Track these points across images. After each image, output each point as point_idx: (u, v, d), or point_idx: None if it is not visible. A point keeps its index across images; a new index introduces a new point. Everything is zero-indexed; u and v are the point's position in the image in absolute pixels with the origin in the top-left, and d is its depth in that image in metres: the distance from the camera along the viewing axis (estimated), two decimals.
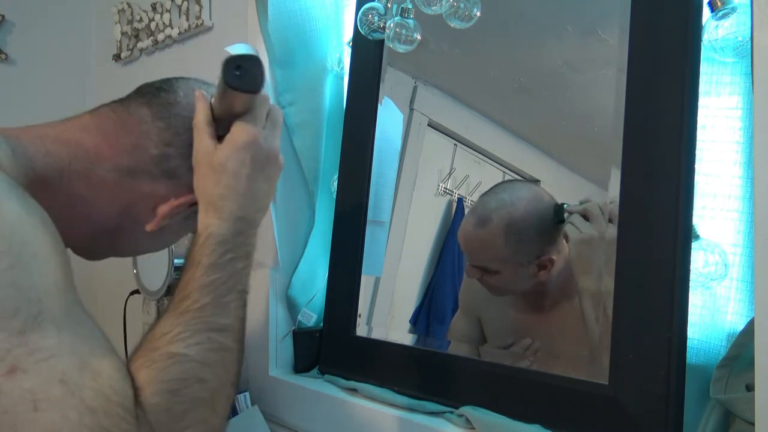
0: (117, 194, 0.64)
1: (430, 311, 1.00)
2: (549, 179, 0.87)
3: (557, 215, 0.82)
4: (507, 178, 0.93)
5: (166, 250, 1.14)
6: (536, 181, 0.89)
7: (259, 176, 0.61)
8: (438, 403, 0.87)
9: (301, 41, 1.08)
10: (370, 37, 0.99)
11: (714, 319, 0.72)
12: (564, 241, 0.83)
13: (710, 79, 0.72)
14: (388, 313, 1.05)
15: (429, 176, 1.02)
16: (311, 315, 1.11)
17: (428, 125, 1.03)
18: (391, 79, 1.05)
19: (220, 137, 0.62)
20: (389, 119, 1.05)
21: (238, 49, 1.08)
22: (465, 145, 0.97)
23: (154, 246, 0.75)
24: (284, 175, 1.10)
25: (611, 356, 0.72)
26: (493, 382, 0.83)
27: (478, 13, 0.89)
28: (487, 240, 0.88)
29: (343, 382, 1.00)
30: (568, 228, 0.81)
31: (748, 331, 0.64)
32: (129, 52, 1.55)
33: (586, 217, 0.79)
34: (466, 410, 0.81)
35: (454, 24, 0.89)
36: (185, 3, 1.36)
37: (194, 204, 0.66)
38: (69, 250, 0.60)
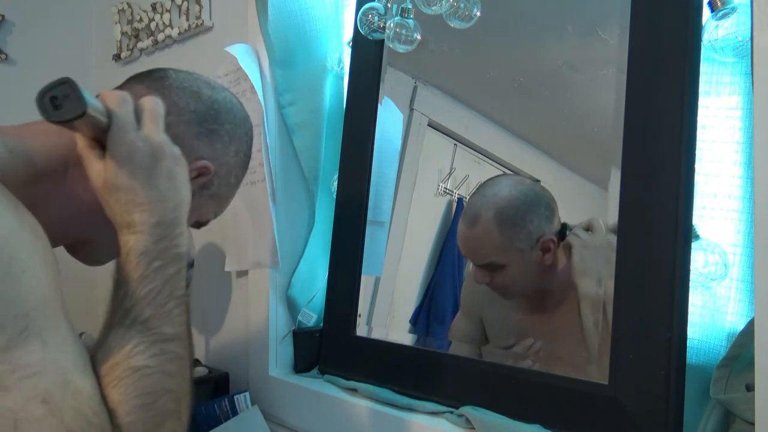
0: None
1: (430, 311, 1.00)
2: (549, 179, 0.87)
3: (561, 233, 0.84)
4: None
5: None
6: (536, 181, 0.89)
7: (155, 178, 0.58)
8: (438, 403, 0.87)
9: (301, 41, 1.08)
10: (370, 37, 0.99)
11: (714, 319, 0.72)
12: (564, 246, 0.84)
13: (710, 79, 0.72)
14: (388, 313, 1.05)
15: (429, 176, 1.02)
16: (311, 315, 1.11)
17: (428, 125, 1.03)
18: (391, 79, 1.05)
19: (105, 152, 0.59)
20: (389, 119, 1.05)
21: (238, 49, 1.09)
22: (465, 145, 0.97)
23: None
24: (284, 175, 1.11)
25: (611, 356, 0.72)
26: (492, 382, 0.83)
27: (478, 13, 0.89)
28: (483, 236, 0.89)
29: (343, 382, 1.00)
30: (570, 236, 0.82)
31: (748, 331, 0.64)
32: (129, 52, 1.55)
33: (588, 229, 0.81)
34: (466, 410, 0.81)
35: (454, 24, 0.89)
36: (185, 3, 1.36)
37: (201, 175, 0.67)
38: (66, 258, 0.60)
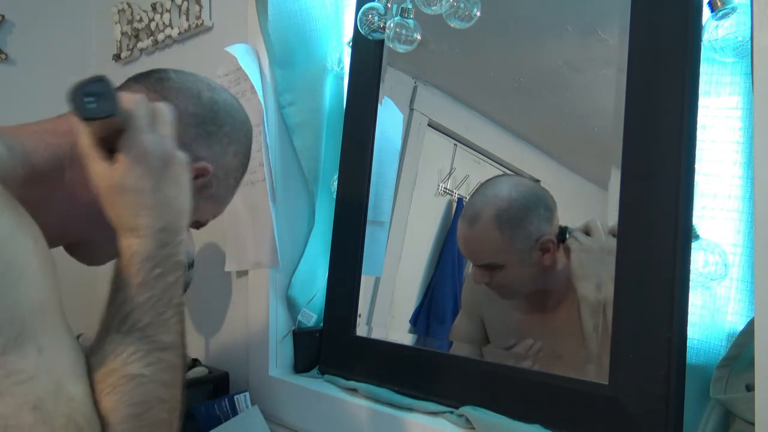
0: None
1: (430, 311, 1.00)
2: (549, 179, 0.87)
3: (561, 237, 0.84)
4: None
5: None
6: (536, 181, 0.89)
7: (163, 183, 0.58)
8: (438, 403, 0.87)
9: (301, 41, 1.08)
10: (370, 37, 0.99)
11: (714, 319, 0.72)
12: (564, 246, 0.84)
13: (710, 79, 0.72)
14: (388, 313, 1.05)
15: (429, 176, 1.02)
16: (311, 315, 1.11)
17: (428, 125, 1.03)
18: (391, 79, 1.05)
19: (112, 153, 0.58)
20: (389, 119, 1.05)
21: (238, 49, 1.09)
22: (465, 145, 0.97)
23: None
24: (284, 175, 1.11)
25: (611, 356, 0.72)
26: (492, 382, 0.83)
27: (478, 13, 0.88)
28: (483, 236, 0.89)
29: (343, 382, 1.00)
30: (569, 240, 0.82)
31: (748, 331, 0.64)
32: (129, 52, 1.55)
33: (587, 232, 0.81)
34: (466, 410, 0.81)
35: (454, 24, 0.89)
36: (185, 3, 1.36)
37: (200, 176, 0.67)
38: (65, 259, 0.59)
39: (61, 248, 0.68)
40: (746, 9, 0.66)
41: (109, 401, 0.50)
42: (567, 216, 0.85)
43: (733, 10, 0.68)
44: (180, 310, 0.57)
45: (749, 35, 0.64)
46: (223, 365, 1.19)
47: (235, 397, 1.05)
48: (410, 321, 1.02)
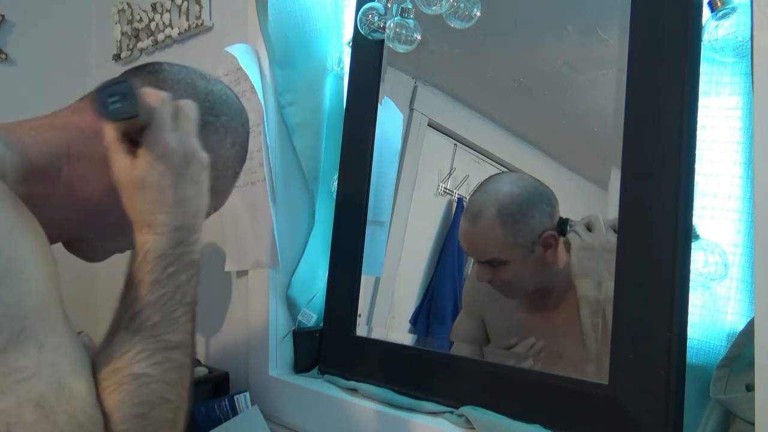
0: None
1: (430, 311, 1.00)
2: (549, 179, 0.87)
3: (561, 228, 0.83)
4: None
5: None
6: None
7: (183, 181, 0.58)
8: (438, 403, 0.87)
9: (301, 41, 1.08)
10: (370, 37, 0.99)
11: (714, 319, 0.72)
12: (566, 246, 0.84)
13: (710, 79, 0.72)
14: (388, 313, 1.05)
15: (429, 176, 1.02)
16: (311, 315, 1.11)
17: (428, 125, 1.03)
18: (391, 79, 1.05)
19: (136, 147, 0.59)
20: (389, 119, 1.05)
21: (238, 49, 1.08)
22: (465, 145, 0.97)
23: None
24: (284, 175, 1.11)
25: (611, 356, 0.72)
26: (493, 382, 0.83)
27: (478, 13, 0.88)
28: (486, 232, 0.89)
29: (343, 382, 1.00)
30: (570, 236, 0.82)
31: (748, 331, 0.64)
32: (129, 52, 1.55)
33: (589, 228, 0.81)
34: (466, 410, 0.81)
35: (454, 24, 0.89)
36: (185, 3, 1.36)
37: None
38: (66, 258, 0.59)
39: (59, 245, 0.68)
40: (746, 9, 0.66)
41: (113, 399, 0.49)
42: (567, 216, 0.85)
43: (733, 10, 0.68)
44: (191, 309, 0.57)
45: (749, 35, 0.64)
46: (223, 365, 1.19)
47: (235, 397, 1.05)
48: (410, 321, 1.02)
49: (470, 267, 0.96)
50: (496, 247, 0.88)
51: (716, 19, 0.69)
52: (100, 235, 0.69)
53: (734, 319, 0.70)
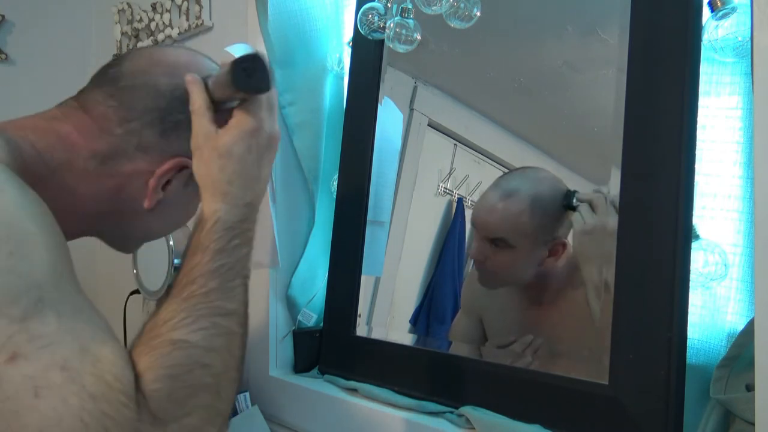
0: (102, 182, 0.63)
1: (430, 311, 1.00)
2: None
3: (567, 200, 0.83)
4: None
5: (166, 249, 1.14)
6: None
7: (262, 161, 0.61)
8: (438, 403, 0.87)
9: (301, 41, 1.08)
10: (370, 37, 0.99)
11: (714, 319, 0.72)
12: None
13: (710, 79, 0.72)
14: (388, 313, 1.05)
15: (429, 176, 1.02)
16: (311, 315, 1.11)
17: (428, 125, 1.03)
18: (391, 79, 1.05)
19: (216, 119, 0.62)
20: (389, 119, 1.05)
21: (238, 49, 1.08)
22: (465, 145, 0.97)
23: (168, 224, 0.73)
24: (284, 175, 1.11)
25: (611, 356, 0.72)
26: (493, 382, 0.83)
27: (478, 13, 0.88)
28: (513, 210, 0.88)
29: (343, 382, 1.00)
30: (574, 217, 0.82)
31: (748, 331, 0.64)
32: None
33: (592, 208, 0.80)
34: (466, 410, 0.81)
35: (454, 24, 0.89)
36: (185, 3, 1.36)
37: (183, 168, 0.65)
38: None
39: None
40: (746, 9, 0.66)
41: (145, 361, 0.49)
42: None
43: (733, 10, 0.68)
44: (246, 282, 0.58)
45: (749, 35, 0.64)
46: None
47: (240, 382, 1.05)
48: (410, 321, 1.02)
49: (470, 267, 0.96)
50: (514, 228, 0.87)
51: (716, 19, 0.69)
52: (109, 234, 0.69)
53: (734, 319, 0.70)
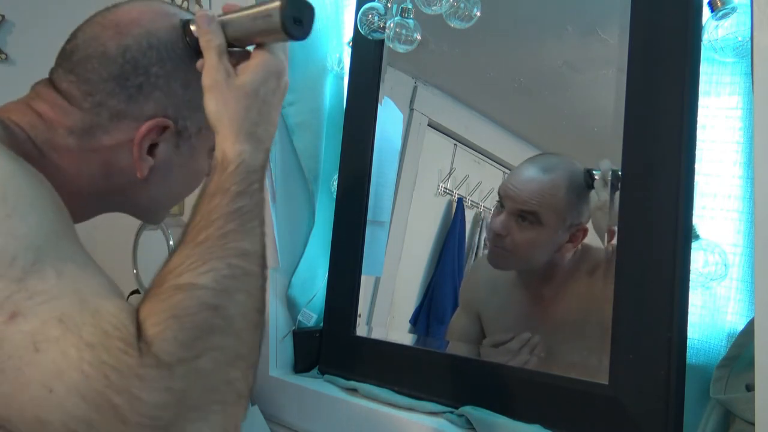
0: (88, 159, 0.62)
1: (430, 311, 1.00)
2: None
3: (585, 180, 0.82)
4: None
5: (166, 249, 1.14)
6: None
7: (279, 106, 0.61)
8: (438, 403, 0.87)
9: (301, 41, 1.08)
10: (370, 37, 0.99)
11: (714, 319, 0.72)
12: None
13: (710, 79, 0.72)
14: (388, 313, 1.05)
15: (429, 176, 1.02)
16: (311, 315, 1.11)
17: (428, 125, 1.03)
18: (391, 79, 1.05)
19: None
20: (389, 119, 1.05)
21: None
22: (465, 145, 0.97)
23: (177, 188, 0.70)
24: (284, 175, 1.11)
25: (611, 356, 0.72)
26: (493, 382, 0.83)
27: (478, 13, 0.88)
28: (549, 185, 0.87)
29: (343, 382, 1.00)
30: (591, 194, 0.82)
31: (748, 331, 0.64)
32: None
33: (605, 183, 0.80)
34: (466, 410, 0.81)
35: (454, 24, 0.89)
36: (185, 3, 1.36)
37: (165, 129, 0.63)
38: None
39: None
40: (746, 9, 0.66)
41: (146, 307, 0.47)
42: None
43: (733, 10, 0.68)
44: (263, 226, 0.55)
45: (749, 35, 0.64)
46: None
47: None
48: (410, 321, 1.02)
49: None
50: (547, 203, 0.86)
51: (716, 19, 0.69)
52: (118, 207, 0.68)
53: (734, 319, 0.71)
